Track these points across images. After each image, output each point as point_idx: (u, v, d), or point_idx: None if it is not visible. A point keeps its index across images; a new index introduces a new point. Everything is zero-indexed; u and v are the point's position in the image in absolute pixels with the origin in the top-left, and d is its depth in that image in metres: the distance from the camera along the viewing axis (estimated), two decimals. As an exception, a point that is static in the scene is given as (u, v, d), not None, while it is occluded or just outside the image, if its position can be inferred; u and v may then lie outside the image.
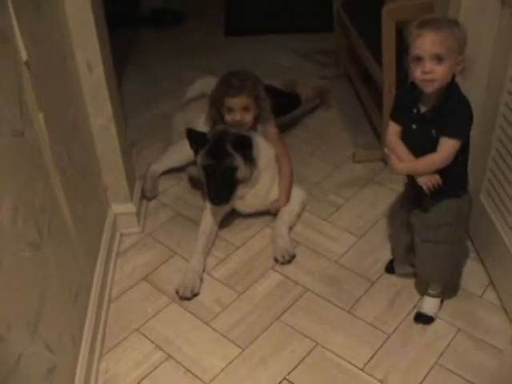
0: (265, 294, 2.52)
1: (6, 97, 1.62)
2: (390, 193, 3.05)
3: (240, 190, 2.76)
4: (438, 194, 2.11)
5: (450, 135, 1.99)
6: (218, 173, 2.64)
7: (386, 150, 2.20)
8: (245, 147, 2.67)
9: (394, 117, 2.18)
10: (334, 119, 3.84)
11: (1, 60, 1.62)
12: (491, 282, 2.49)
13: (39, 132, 1.86)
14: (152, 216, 3.03)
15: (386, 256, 2.63)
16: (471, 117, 2.01)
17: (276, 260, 2.68)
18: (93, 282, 2.37)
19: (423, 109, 2.06)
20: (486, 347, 2.23)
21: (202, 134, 2.73)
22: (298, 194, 2.96)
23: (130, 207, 2.85)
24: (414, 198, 2.26)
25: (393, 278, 2.54)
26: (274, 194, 2.91)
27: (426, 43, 1.89)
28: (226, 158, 2.64)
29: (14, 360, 1.51)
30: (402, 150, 2.13)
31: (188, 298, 2.49)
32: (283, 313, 2.42)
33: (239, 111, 2.85)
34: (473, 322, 2.34)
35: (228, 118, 2.88)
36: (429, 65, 1.91)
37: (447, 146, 2.00)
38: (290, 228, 2.86)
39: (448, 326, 2.33)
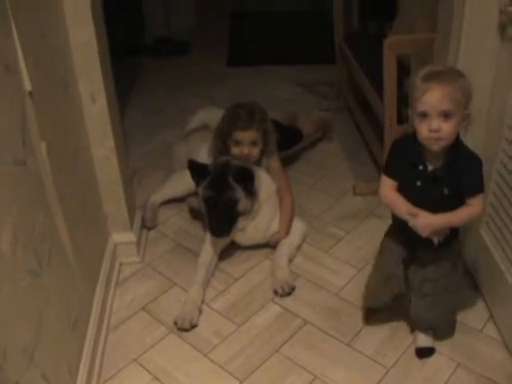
0: (264, 326, 2.50)
1: (8, 125, 1.63)
2: (390, 225, 3.06)
3: (240, 223, 2.76)
4: (442, 244, 2.08)
5: (480, 192, 1.99)
6: (219, 205, 2.65)
7: (407, 217, 2.05)
8: (246, 180, 2.68)
9: (391, 172, 2.11)
10: (335, 151, 3.86)
11: (4, 89, 1.63)
12: (491, 316, 2.47)
13: (41, 161, 1.87)
14: (152, 246, 3.02)
15: (386, 289, 2.62)
16: (482, 166, 1.99)
17: (275, 292, 2.66)
18: (91, 311, 2.36)
19: (431, 166, 2.00)
20: (486, 382, 2.21)
21: (204, 166, 2.74)
22: (298, 226, 2.96)
23: (130, 236, 2.84)
24: (402, 251, 2.23)
25: (393, 311, 2.52)
26: (275, 227, 2.91)
27: (433, 99, 1.83)
28: (227, 191, 2.65)
29: (10, 389, 1.51)
30: (402, 202, 2.07)
31: (186, 330, 2.47)
32: (282, 345, 2.40)
33: (247, 145, 2.85)
34: (472, 356, 2.32)
35: (235, 151, 2.88)
36: (436, 122, 1.85)
37: (479, 201, 1.99)
38: (290, 260, 2.85)
39: (447, 360, 2.31)
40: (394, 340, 2.40)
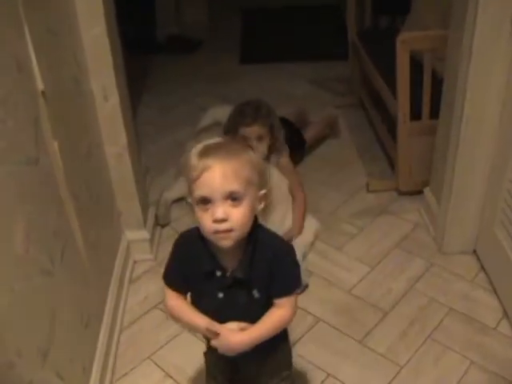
0: (276, 324, 2.50)
1: (21, 124, 1.63)
2: (403, 222, 3.05)
3: (253, 223, 2.73)
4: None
5: (293, 291, 1.59)
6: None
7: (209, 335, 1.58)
8: None
9: (173, 284, 1.61)
10: (348, 148, 3.84)
11: (17, 89, 1.64)
12: (505, 315, 2.46)
13: (54, 159, 1.87)
14: (165, 243, 3.01)
15: (400, 286, 2.63)
16: (295, 254, 1.61)
17: (288, 289, 2.64)
18: (105, 309, 2.37)
19: (229, 268, 1.51)
20: (500, 381, 2.19)
21: None
22: (311, 223, 2.95)
23: (144, 234, 2.85)
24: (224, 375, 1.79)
25: (406, 309, 2.52)
26: (288, 225, 2.90)
27: (215, 179, 1.36)
28: None
29: (23, 387, 1.51)
30: (199, 317, 1.57)
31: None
32: (295, 343, 2.39)
33: (253, 141, 2.85)
34: (486, 354, 2.30)
35: None
36: (221, 209, 1.38)
37: (291, 302, 1.59)
38: (303, 257, 2.84)
39: (461, 358, 2.29)
40: (407, 338, 2.39)
